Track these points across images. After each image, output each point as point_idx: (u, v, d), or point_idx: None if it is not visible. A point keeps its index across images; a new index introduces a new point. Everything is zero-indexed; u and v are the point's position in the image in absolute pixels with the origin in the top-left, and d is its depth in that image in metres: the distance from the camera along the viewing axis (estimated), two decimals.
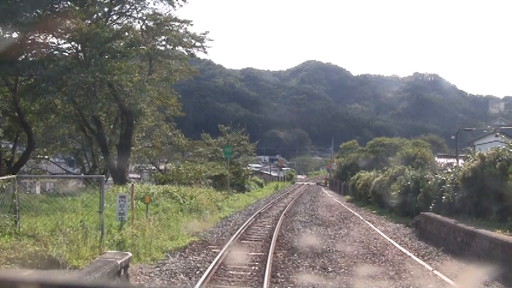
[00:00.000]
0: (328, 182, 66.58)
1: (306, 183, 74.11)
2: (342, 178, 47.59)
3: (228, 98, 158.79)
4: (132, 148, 28.47)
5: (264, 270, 9.33)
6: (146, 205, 13.90)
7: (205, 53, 38.74)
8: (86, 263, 7.24)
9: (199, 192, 22.00)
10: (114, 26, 23.61)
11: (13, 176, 9.11)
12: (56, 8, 20.09)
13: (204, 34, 26.40)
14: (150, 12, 24.14)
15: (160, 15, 24.21)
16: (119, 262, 7.67)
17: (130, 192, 12.97)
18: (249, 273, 9.36)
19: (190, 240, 13.12)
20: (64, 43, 21.64)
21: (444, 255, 11.38)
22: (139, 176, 43.89)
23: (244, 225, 16.88)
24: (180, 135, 36.05)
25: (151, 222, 12.25)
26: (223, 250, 11.33)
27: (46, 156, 32.19)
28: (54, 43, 21.59)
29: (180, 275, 9.07)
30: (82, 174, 30.97)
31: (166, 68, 27.31)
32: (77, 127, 27.75)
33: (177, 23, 25.13)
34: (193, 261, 10.36)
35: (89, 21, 20.21)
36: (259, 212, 22.37)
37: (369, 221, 19.45)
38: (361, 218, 21.03)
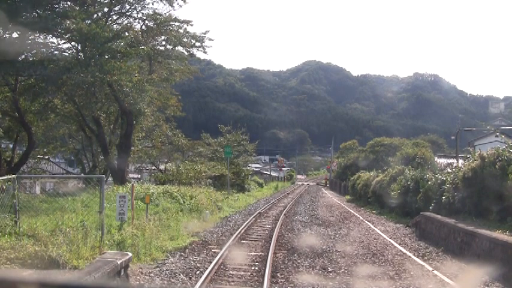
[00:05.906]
0: (328, 182, 66.58)
1: (306, 183, 74.12)
2: (342, 178, 47.57)
3: (228, 98, 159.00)
4: (132, 148, 28.48)
5: (264, 270, 9.33)
6: (146, 205, 13.90)
7: (205, 53, 38.61)
8: (86, 263, 7.24)
9: (199, 192, 22.01)
10: (114, 26, 23.60)
11: (13, 176, 9.12)
12: (56, 8, 20.10)
13: (204, 34, 26.38)
14: (150, 12, 24.16)
15: (160, 15, 24.20)
16: (119, 262, 7.67)
17: (130, 192, 12.97)
18: (249, 273, 9.36)
19: (190, 240, 13.11)
20: (64, 43, 21.69)
21: (444, 255, 11.37)
22: (139, 176, 43.87)
23: (244, 225, 16.88)
24: (180, 135, 36.14)
25: (151, 222, 12.24)
26: (223, 250, 11.32)
27: (46, 156, 32.20)
28: (54, 43, 21.65)
29: (180, 275, 9.07)
30: (82, 174, 30.94)
31: (166, 68, 27.31)
32: (77, 127, 27.80)
33: (177, 23, 25.14)
34: (193, 261, 10.36)
35: (89, 21, 20.21)
36: (259, 212, 22.35)
37: (368, 221, 19.44)
38: (361, 218, 21.03)
